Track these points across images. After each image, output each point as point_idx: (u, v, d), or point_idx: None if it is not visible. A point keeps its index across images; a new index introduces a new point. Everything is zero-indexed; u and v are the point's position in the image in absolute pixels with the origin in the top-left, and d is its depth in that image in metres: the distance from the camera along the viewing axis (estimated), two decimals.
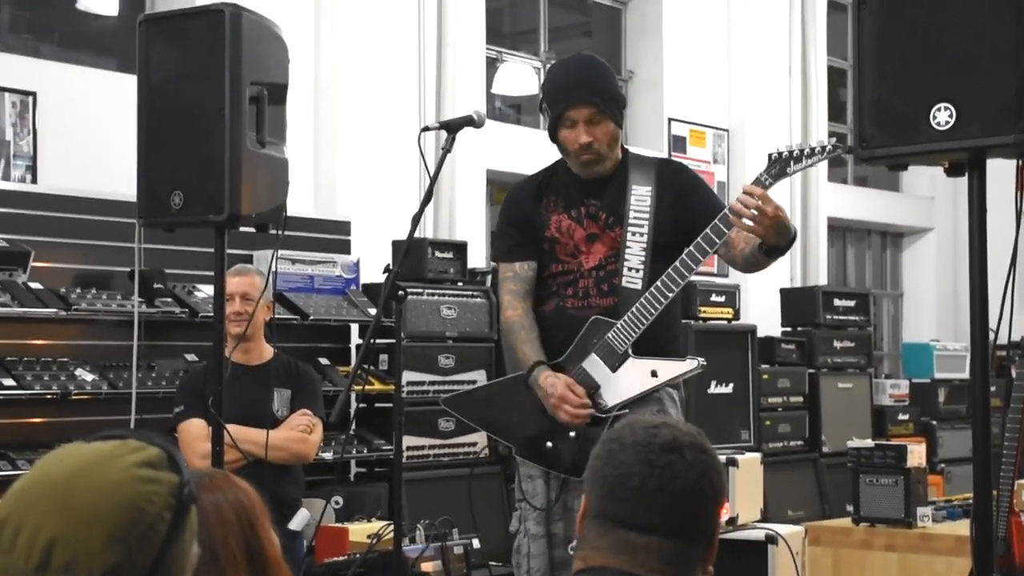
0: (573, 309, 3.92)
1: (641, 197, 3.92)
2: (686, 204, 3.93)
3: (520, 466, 3.96)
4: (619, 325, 3.82)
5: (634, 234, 3.89)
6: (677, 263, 3.78)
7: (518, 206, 4.07)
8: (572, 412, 3.80)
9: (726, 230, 3.74)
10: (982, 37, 2.74)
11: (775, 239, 3.68)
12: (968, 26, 2.76)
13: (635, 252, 3.88)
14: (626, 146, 4.07)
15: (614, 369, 3.82)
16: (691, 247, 3.77)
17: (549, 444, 3.88)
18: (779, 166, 3.75)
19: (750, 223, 3.62)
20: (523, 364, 3.92)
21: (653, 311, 3.79)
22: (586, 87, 3.89)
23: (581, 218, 3.95)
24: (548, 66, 9.37)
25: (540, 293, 4.04)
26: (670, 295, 3.79)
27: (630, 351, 3.82)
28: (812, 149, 3.76)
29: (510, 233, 4.06)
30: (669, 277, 3.78)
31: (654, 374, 3.83)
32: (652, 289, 3.79)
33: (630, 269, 3.87)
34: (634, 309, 3.80)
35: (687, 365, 3.88)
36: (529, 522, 3.90)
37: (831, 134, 10.98)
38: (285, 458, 4.81)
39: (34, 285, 5.40)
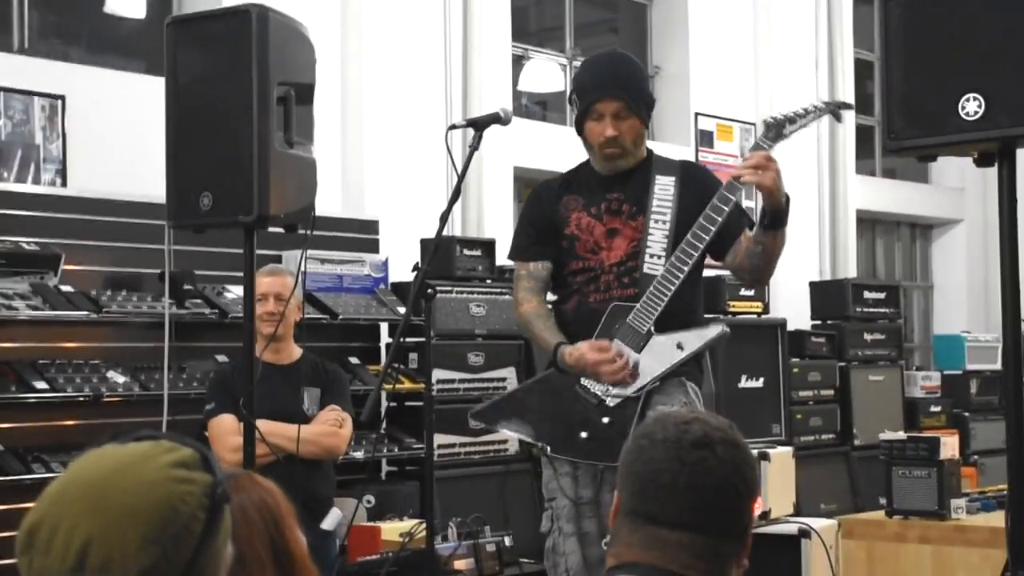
0: (595, 303, 3.94)
1: (665, 186, 3.95)
2: (705, 198, 3.92)
3: (546, 466, 3.96)
4: (638, 307, 3.84)
5: (656, 221, 3.91)
6: (688, 236, 3.81)
7: (538, 204, 4.10)
8: (613, 370, 3.81)
9: (739, 186, 3.78)
10: (1010, 26, 2.73)
11: (778, 197, 3.71)
12: (995, 16, 2.75)
13: (657, 239, 3.89)
14: (650, 148, 4.09)
15: (639, 350, 3.84)
16: (700, 219, 3.80)
17: (583, 435, 3.87)
18: (775, 130, 3.87)
19: (752, 178, 3.66)
20: (546, 349, 3.95)
21: (670, 287, 3.81)
22: (615, 82, 3.93)
23: (601, 214, 3.97)
24: (576, 62, 9.37)
25: (561, 292, 4.06)
26: (685, 269, 3.81)
27: (652, 329, 3.83)
28: (805, 110, 3.89)
29: (528, 232, 4.09)
30: (682, 252, 3.81)
31: (680, 347, 3.84)
32: (667, 267, 3.82)
33: (652, 256, 3.89)
34: (651, 289, 3.83)
35: (711, 332, 3.90)
36: (562, 520, 3.90)
37: (859, 127, 10.94)
38: (316, 452, 4.82)
39: (65, 288, 5.43)
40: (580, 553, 3.86)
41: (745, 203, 7.69)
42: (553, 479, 3.93)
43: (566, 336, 3.96)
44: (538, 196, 4.13)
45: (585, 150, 4.04)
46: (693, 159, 9.60)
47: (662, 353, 3.84)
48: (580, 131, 3.99)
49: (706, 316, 4.16)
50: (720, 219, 3.80)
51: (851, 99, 10.69)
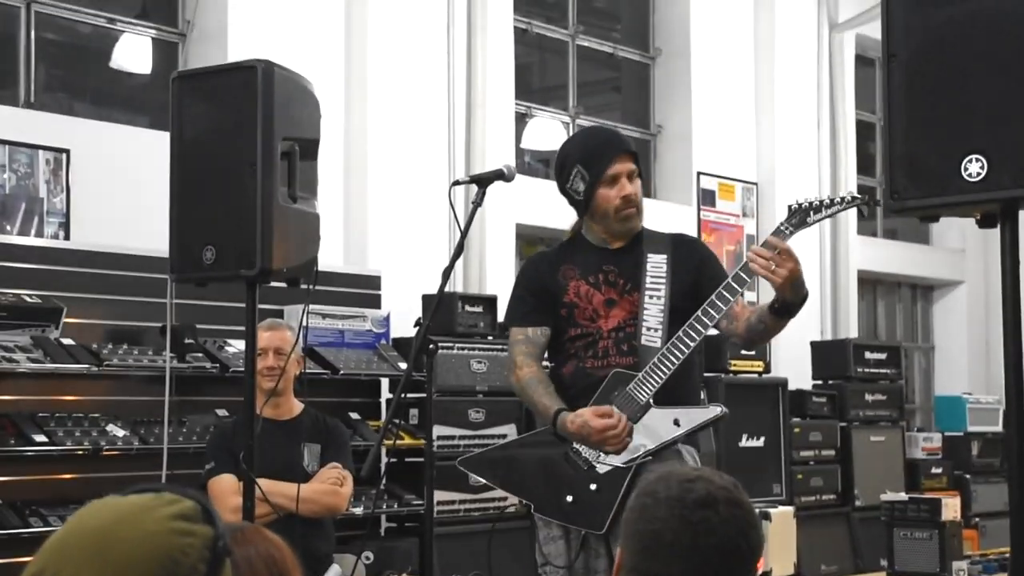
0: (592, 368, 3.91)
1: (657, 264, 3.94)
2: (700, 272, 3.96)
3: (540, 529, 3.92)
4: (640, 377, 3.81)
5: (651, 297, 3.90)
6: (697, 314, 3.79)
7: (535, 273, 4.06)
8: (616, 436, 3.76)
9: (747, 278, 3.76)
10: (1012, 87, 2.74)
11: (790, 293, 3.70)
12: (998, 77, 2.76)
13: (653, 314, 3.88)
14: None
15: (636, 420, 3.80)
16: (710, 298, 3.79)
17: (570, 499, 3.83)
18: (799, 216, 3.80)
19: (768, 272, 3.64)
20: (544, 416, 3.89)
21: (674, 361, 3.79)
22: (621, 142, 3.98)
23: (599, 284, 3.96)
24: (579, 120, 9.42)
25: (558, 357, 4.03)
26: (691, 346, 3.80)
27: (651, 401, 3.81)
28: (832, 200, 3.81)
29: (525, 299, 4.04)
30: (690, 328, 3.80)
31: (676, 423, 3.81)
32: (672, 341, 3.80)
33: (648, 329, 3.87)
34: (655, 360, 3.80)
35: (710, 412, 3.87)
36: None
37: (860, 188, 10.98)
38: (316, 511, 4.80)
39: (66, 341, 5.43)
40: None
41: None
42: (545, 543, 3.89)
43: (564, 400, 3.93)
44: (535, 265, 4.11)
45: (591, 221, 3.98)
46: (695, 217, 9.62)
47: (658, 427, 3.80)
48: (588, 202, 3.92)
49: (707, 374, 4.16)
50: (726, 307, 3.78)
51: (852, 160, 10.75)
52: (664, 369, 3.79)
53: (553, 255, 4.09)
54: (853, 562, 8.34)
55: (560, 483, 3.85)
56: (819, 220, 3.83)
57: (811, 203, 3.80)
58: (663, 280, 3.92)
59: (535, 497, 3.92)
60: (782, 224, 3.80)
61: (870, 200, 4.16)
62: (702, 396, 4.06)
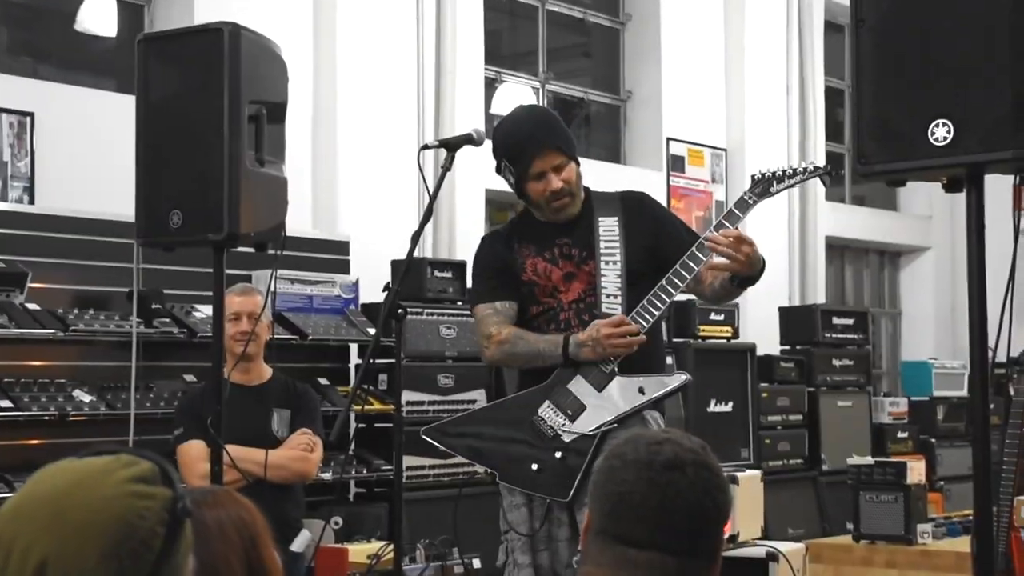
0: None
1: (609, 227, 3.95)
2: (654, 232, 3.98)
3: (504, 496, 3.92)
4: None
5: (607, 263, 3.90)
6: (658, 287, 3.82)
7: (493, 253, 4.05)
8: (624, 342, 3.76)
9: (703, 257, 3.80)
10: (979, 52, 2.75)
11: (748, 270, 3.78)
12: (965, 42, 2.77)
13: (611, 280, 3.89)
14: (585, 186, 4.05)
15: (600, 388, 3.81)
16: (670, 273, 3.82)
17: (535, 467, 3.83)
18: (763, 186, 3.85)
19: (724, 260, 3.71)
20: (552, 349, 3.84)
21: (641, 327, 3.80)
22: (546, 134, 3.92)
23: (556, 259, 3.96)
24: (548, 86, 9.40)
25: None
26: (652, 318, 3.82)
27: (616, 370, 3.82)
28: (795, 170, 3.86)
29: (488, 277, 4.03)
30: (651, 300, 3.82)
31: (641, 391, 3.82)
32: (636, 311, 3.82)
33: (608, 296, 3.88)
34: None
35: (674, 380, 3.90)
36: (516, 553, 3.86)
37: (829, 154, 11.01)
38: (286, 477, 4.79)
39: (31, 306, 5.39)
40: None
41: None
42: (508, 511, 3.90)
43: (525, 380, 3.94)
44: (490, 245, 4.11)
45: (528, 206, 4.02)
46: (664, 183, 9.63)
47: (623, 395, 3.82)
48: (521, 193, 3.96)
49: (676, 340, 4.17)
50: (690, 276, 3.81)
51: (821, 126, 10.77)
52: None
53: (506, 234, 4.09)
54: (820, 525, 8.41)
55: (525, 451, 3.85)
56: (782, 190, 3.88)
57: (774, 173, 3.85)
58: (617, 244, 3.92)
59: (499, 465, 3.92)
60: (745, 193, 3.84)
61: (832, 170, 4.19)
62: (669, 362, 4.07)
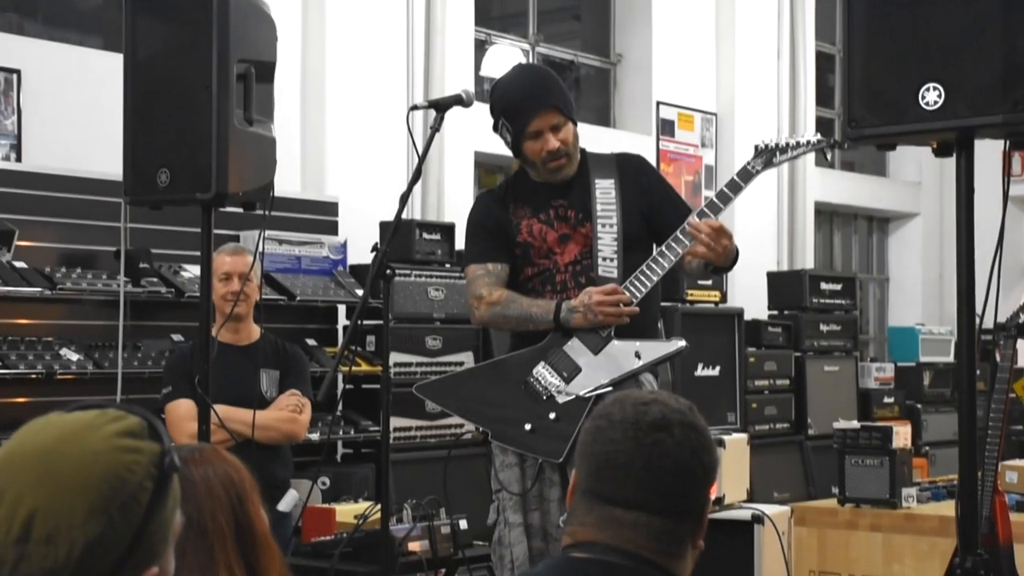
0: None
1: (605, 190, 3.94)
2: (649, 199, 3.99)
3: (497, 455, 3.93)
4: None
5: (604, 226, 3.91)
6: (650, 260, 3.85)
7: (487, 213, 4.05)
8: (615, 311, 3.78)
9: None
10: (970, 17, 2.75)
11: (722, 262, 3.83)
12: (956, 6, 2.77)
13: (607, 243, 3.89)
14: (582, 147, 4.06)
15: (596, 352, 3.82)
16: (656, 252, 3.85)
17: (528, 427, 3.84)
18: (765, 156, 3.86)
19: (706, 251, 3.73)
20: (544, 314, 3.86)
21: (633, 296, 3.82)
22: (544, 94, 3.91)
23: (551, 220, 3.96)
24: (539, 48, 9.36)
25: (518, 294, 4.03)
26: (645, 289, 3.84)
27: (612, 334, 3.83)
28: (798, 142, 3.87)
29: (481, 237, 4.04)
30: (644, 271, 3.84)
31: (637, 355, 3.83)
32: (629, 280, 3.83)
33: (604, 259, 3.89)
34: None
35: (671, 346, 3.92)
36: (508, 512, 3.88)
37: (819, 119, 11.00)
38: (275, 438, 4.79)
39: (19, 264, 5.38)
40: (526, 544, 3.85)
41: (706, 192, 7.73)
42: (500, 470, 3.91)
43: (518, 342, 3.95)
44: (485, 204, 4.11)
45: (524, 165, 4.01)
46: (654, 147, 9.61)
47: (619, 360, 3.83)
48: (518, 153, 3.96)
49: (664, 304, 4.18)
50: (676, 258, 3.83)
51: (812, 92, 10.75)
52: None
53: (501, 193, 4.08)
54: (805, 489, 8.46)
55: (519, 412, 3.86)
56: (785, 161, 3.89)
57: (777, 144, 3.86)
58: (613, 206, 3.93)
59: (493, 425, 3.93)
60: (748, 163, 3.84)
61: (835, 143, 4.21)
62: (659, 327, 4.08)
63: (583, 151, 4.04)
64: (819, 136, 3.91)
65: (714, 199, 3.84)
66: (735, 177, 3.85)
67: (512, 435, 3.87)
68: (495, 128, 3.99)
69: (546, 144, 3.87)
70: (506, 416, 3.89)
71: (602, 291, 3.80)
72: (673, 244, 3.83)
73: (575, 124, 3.97)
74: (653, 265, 3.84)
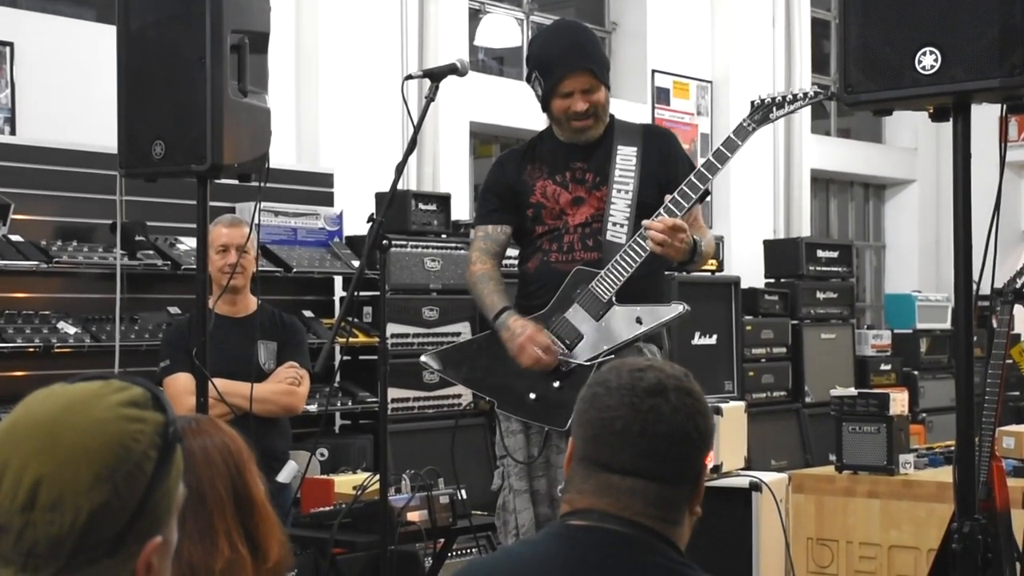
0: (557, 263, 3.92)
1: (627, 157, 3.93)
2: (669, 173, 3.94)
3: (501, 421, 3.95)
4: (601, 274, 3.82)
5: (619, 191, 3.89)
6: (613, 262, 3.81)
7: (502, 174, 4.08)
8: (535, 354, 3.78)
9: (700, 185, 3.76)
10: None
11: (683, 256, 3.76)
12: None
13: (619, 208, 3.88)
14: (611, 113, 4.03)
15: (598, 318, 3.82)
16: (668, 200, 3.76)
17: (532, 396, 3.85)
18: (761, 112, 3.80)
19: (661, 248, 3.67)
20: (490, 311, 3.91)
21: (635, 259, 3.79)
22: (580, 55, 3.88)
23: (566, 183, 3.95)
24: (533, 18, 9.33)
25: (525, 251, 4.05)
26: (612, 291, 3.81)
27: (614, 299, 3.82)
28: (794, 95, 3.81)
29: (490, 199, 4.08)
30: (611, 274, 3.81)
31: (639, 321, 3.82)
32: (634, 240, 3.81)
33: (614, 224, 3.87)
34: (617, 258, 3.81)
35: (672, 310, 3.90)
36: (512, 478, 3.89)
37: (814, 86, 10.97)
38: (274, 411, 4.79)
39: (14, 237, 5.37)
40: (531, 511, 3.86)
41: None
42: (505, 436, 3.92)
43: (527, 295, 3.95)
44: (501, 165, 4.12)
45: (551, 123, 4.00)
46: (650, 115, 9.60)
47: (620, 326, 3.82)
48: (546, 108, 3.94)
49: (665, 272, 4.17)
50: (688, 205, 3.76)
51: (807, 58, 10.73)
52: (624, 267, 3.79)
53: (522, 152, 4.09)
54: (803, 456, 8.48)
55: (523, 381, 3.87)
56: (781, 116, 3.83)
57: (773, 99, 3.81)
58: (632, 173, 3.91)
59: (497, 394, 3.95)
60: (744, 120, 3.80)
61: (832, 94, 4.16)
62: (666, 290, 4.07)
63: (612, 117, 4.01)
64: (816, 89, 3.87)
65: (711, 159, 3.80)
66: (732, 135, 3.80)
67: (516, 404, 3.89)
68: (527, 79, 3.99)
69: (574, 105, 3.86)
70: (510, 385, 3.90)
71: (529, 338, 3.78)
72: (635, 246, 3.79)
73: (608, 89, 3.95)
74: (617, 268, 3.80)
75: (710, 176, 3.78)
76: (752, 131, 3.78)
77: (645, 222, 3.75)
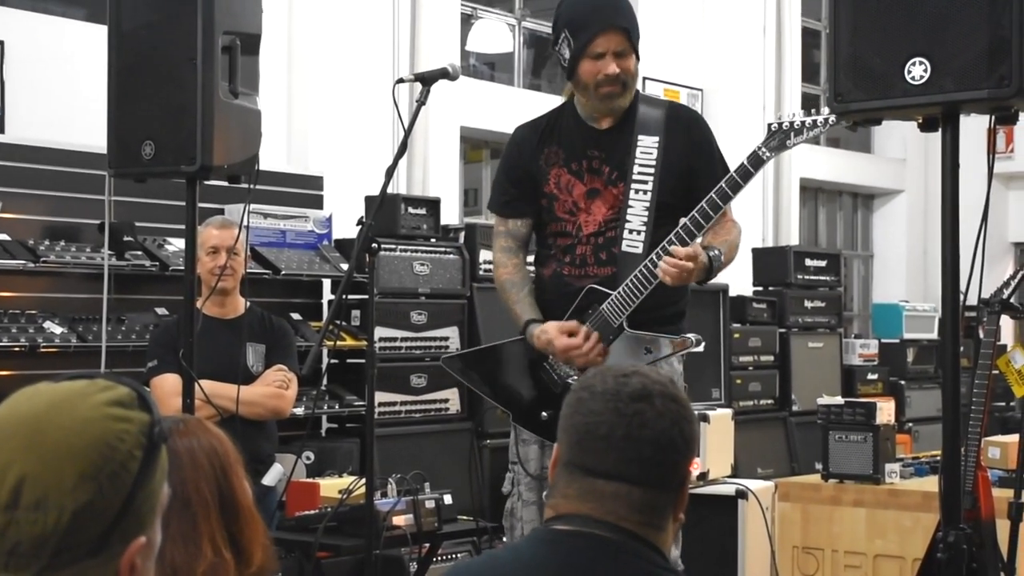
0: (570, 277, 3.82)
1: (647, 149, 3.76)
2: (693, 165, 3.80)
3: (514, 428, 3.93)
4: (614, 297, 3.70)
5: (637, 192, 3.75)
6: (624, 287, 3.69)
7: (517, 155, 3.94)
8: (583, 354, 3.70)
9: (721, 204, 3.62)
10: None
11: (699, 279, 3.70)
12: None
13: (637, 212, 3.74)
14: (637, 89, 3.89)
15: (608, 343, 3.72)
16: (688, 220, 3.63)
17: (544, 415, 3.81)
18: (779, 138, 3.60)
19: (677, 281, 3.59)
20: (516, 324, 3.88)
21: (645, 287, 3.66)
22: (616, 13, 3.73)
23: (582, 172, 3.83)
24: (525, 23, 9.33)
25: (541, 252, 3.97)
26: (626, 312, 3.70)
27: (624, 324, 3.71)
28: (814, 121, 3.56)
29: (507, 188, 3.97)
30: (623, 297, 3.69)
31: (648, 351, 3.72)
32: (644, 266, 3.65)
33: (631, 231, 3.74)
34: (630, 281, 3.67)
35: (684, 344, 3.73)
36: (522, 487, 3.87)
37: (804, 95, 11.00)
38: (261, 414, 4.77)
39: (2, 236, 5.36)
40: (538, 523, 3.84)
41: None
42: (518, 444, 3.89)
43: (542, 303, 3.87)
44: (518, 145, 3.96)
45: (575, 90, 3.81)
46: None
47: (628, 354, 3.70)
48: (572, 73, 3.75)
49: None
50: (700, 234, 3.65)
51: (797, 67, 10.75)
52: (635, 294, 3.67)
53: (541, 128, 3.93)
54: (789, 464, 8.49)
55: (536, 397, 3.85)
56: (799, 143, 3.61)
57: (792, 123, 3.58)
58: (652, 168, 3.75)
59: (512, 407, 3.92)
60: (759, 148, 3.59)
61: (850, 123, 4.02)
62: (684, 305, 3.91)
63: (636, 92, 3.86)
64: (834, 117, 3.37)
65: (724, 186, 3.59)
66: (746, 163, 3.59)
67: (529, 421, 3.87)
68: (554, 44, 3.80)
69: (604, 68, 3.69)
70: (524, 400, 3.88)
71: (565, 338, 3.72)
72: (646, 272, 3.65)
73: (638, 59, 3.79)
74: (628, 295, 3.68)
75: (722, 204, 3.61)
76: (767, 159, 3.59)
77: (655, 254, 3.62)
